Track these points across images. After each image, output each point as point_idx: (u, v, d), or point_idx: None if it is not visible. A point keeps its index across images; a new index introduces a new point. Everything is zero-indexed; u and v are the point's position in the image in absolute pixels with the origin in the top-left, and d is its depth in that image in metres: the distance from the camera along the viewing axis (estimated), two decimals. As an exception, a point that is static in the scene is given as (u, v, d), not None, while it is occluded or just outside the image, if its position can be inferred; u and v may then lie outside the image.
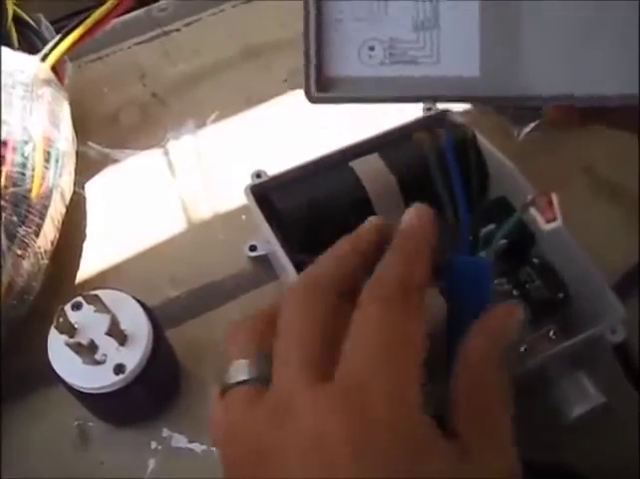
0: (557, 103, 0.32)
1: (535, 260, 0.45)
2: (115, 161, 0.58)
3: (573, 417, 0.40)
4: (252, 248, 0.50)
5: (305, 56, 0.30)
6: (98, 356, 0.40)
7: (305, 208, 0.45)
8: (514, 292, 0.44)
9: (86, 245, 0.53)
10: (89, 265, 0.52)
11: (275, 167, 0.48)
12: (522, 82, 0.30)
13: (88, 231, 0.54)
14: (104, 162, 0.57)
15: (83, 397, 0.41)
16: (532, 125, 0.57)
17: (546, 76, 0.30)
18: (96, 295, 0.41)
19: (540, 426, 0.43)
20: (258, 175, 0.48)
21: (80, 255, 0.52)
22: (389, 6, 0.30)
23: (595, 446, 0.44)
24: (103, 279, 0.51)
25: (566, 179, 0.56)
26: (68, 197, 0.52)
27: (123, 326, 0.40)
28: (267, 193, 0.47)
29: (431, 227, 0.32)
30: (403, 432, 0.26)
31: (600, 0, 0.29)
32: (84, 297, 0.41)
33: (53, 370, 0.41)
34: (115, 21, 0.57)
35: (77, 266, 0.52)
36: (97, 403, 0.42)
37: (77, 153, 0.53)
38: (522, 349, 0.42)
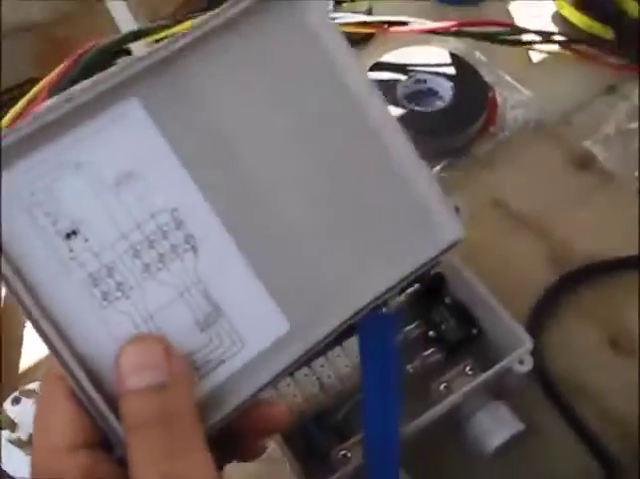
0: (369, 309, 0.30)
1: (447, 301, 0.48)
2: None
3: (494, 447, 0.43)
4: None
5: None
6: (39, 448, 0.41)
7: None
8: (431, 334, 0.47)
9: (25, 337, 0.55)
10: (28, 356, 0.53)
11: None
12: (336, 306, 0.28)
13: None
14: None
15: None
16: (439, 167, 0.61)
17: (351, 288, 0.28)
18: (33, 390, 0.42)
19: (466, 460, 0.46)
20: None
21: (20, 348, 0.54)
22: (163, 327, 0.26)
23: (525, 468, 0.47)
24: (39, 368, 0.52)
25: (478, 214, 0.59)
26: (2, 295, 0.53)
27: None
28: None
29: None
30: None
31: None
32: (21, 392, 0.43)
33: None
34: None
35: (18, 361, 0.53)
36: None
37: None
38: (442, 387, 0.45)
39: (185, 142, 0.26)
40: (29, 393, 0.43)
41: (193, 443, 0.24)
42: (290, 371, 0.28)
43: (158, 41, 0.34)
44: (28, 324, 0.53)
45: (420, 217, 0.28)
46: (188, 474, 0.23)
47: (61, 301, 0.25)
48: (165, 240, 0.26)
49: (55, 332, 0.24)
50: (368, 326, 0.37)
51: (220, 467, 0.28)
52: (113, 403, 0.24)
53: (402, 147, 0.28)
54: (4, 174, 0.24)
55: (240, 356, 0.27)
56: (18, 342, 0.54)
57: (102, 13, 0.69)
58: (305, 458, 0.43)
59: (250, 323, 0.27)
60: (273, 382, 0.27)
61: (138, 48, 0.95)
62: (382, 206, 0.28)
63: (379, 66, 0.65)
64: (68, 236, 0.25)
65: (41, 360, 0.53)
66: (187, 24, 0.34)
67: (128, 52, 0.56)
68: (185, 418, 0.24)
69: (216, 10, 0.26)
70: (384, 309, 0.38)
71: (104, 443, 0.25)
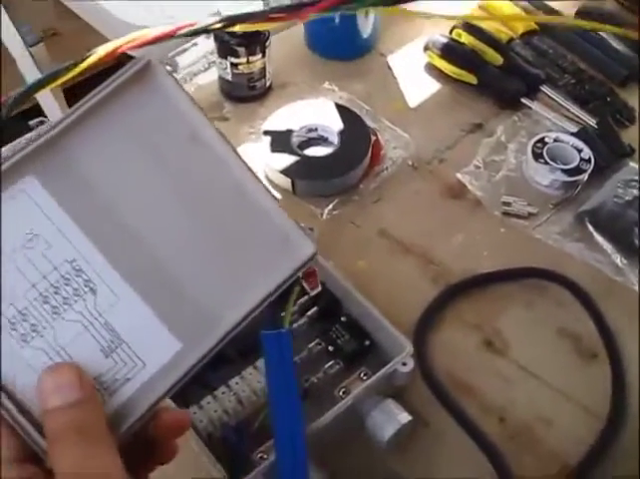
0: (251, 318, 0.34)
1: (343, 319, 0.56)
2: None
3: (386, 439, 0.50)
4: None
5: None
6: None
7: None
8: (330, 348, 0.55)
9: None
10: None
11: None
12: (218, 321, 0.33)
13: None
14: None
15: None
16: (332, 204, 0.69)
17: (228, 305, 0.33)
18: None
19: (368, 452, 0.53)
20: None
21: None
22: (74, 356, 0.31)
23: (416, 456, 0.54)
24: None
25: (367, 243, 0.67)
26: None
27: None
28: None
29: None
30: None
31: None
32: None
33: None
34: None
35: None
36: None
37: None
38: (342, 392, 0.52)
39: (76, 204, 0.32)
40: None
41: (105, 448, 0.29)
42: (185, 380, 0.33)
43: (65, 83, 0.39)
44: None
45: (280, 240, 0.34)
46: (99, 473, 0.29)
47: None
48: (68, 286, 0.31)
49: None
50: (269, 342, 0.44)
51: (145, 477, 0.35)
52: (37, 425, 0.30)
53: (254, 184, 0.34)
54: None
55: (142, 374, 0.31)
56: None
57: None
58: (229, 462, 0.49)
59: (147, 346, 0.32)
60: (171, 391, 0.32)
61: (45, 96, 0.99)
62: (246, 236, 0.34)
63: (274, 120, 0.73)
64: None
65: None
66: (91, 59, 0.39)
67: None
68: (97, 428, 0.30)
69: (87, 96, 0.33)
70: (282, 328, 0.46)
71: (34, 458, 0.30)
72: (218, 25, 0.36)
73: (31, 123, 1.29)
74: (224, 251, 0.33)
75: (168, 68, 0.35)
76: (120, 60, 0.40)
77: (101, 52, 0.41)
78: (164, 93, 0.33)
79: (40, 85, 0.42)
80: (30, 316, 0.31)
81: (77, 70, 0.45)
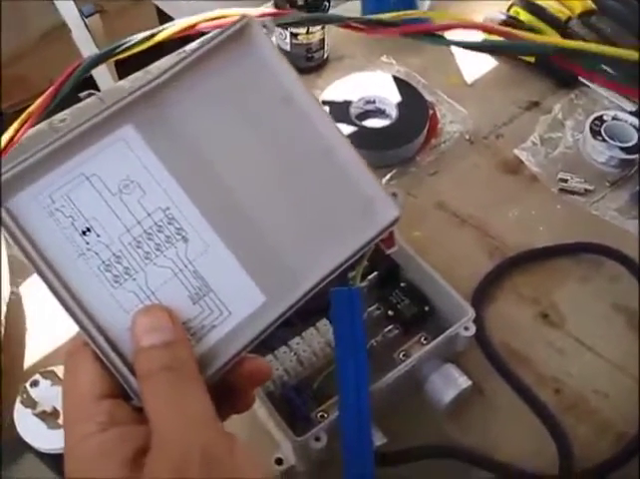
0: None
1: (403, 284, 0.57)
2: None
3: (446, 403, 0.51)
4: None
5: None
6: (60, 421, 0.48)
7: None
8: (390, 313, 0.56)
9: (28, 336, 0.61)
10: (36, 350, 0.60)
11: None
12: (301, 279, 0.33)
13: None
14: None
15: (52, 458, 0.49)
16: (389, 175, 0.69)
17: (311, 264, 0.34)
18: (52, 371, 0.49)
19: (426, 414, 0.54)
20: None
21: (24, 345, 0.60)
22: (163, 301, 0.32)
23: (472, 423, 0.55)
24: (48, 361, 0.59)
25: (424, 214, 0.68)
26: (6, 296, 0.60)
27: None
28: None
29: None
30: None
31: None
32: (41, 374, 0.49)
33: (21, 439, 0.48)
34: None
35: (23, 354, 0.59)
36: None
37: (9, 257, 0.61)
38: (402, 355, 0.53)
39: (171, 155, 0.33)
40: (48, 374, 0.49)
41: (196, 387, 0.30)
42: (268, 332, 0.33)
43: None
44: (30, 323, 0.60)
45: (365, 203, 0.35)
46: (193, 411, 0.30)
47: (82, 283, 0.31)
48: (161, 233, 0.32)
49: (79, 309, 0.31)
50: (339, 299, 0.45)
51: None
52: (127, 362, 0.31)
53: (344, 147, 0.34)
54: (31, 187, 0.31)
55: (228, 322, 0.32)
56: (21, 339, 0.60)
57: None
58: (290, 421, 0.50)
59: (234, 296, 0.32)
60: (255, 342, 0.33)
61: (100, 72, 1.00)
62: (333, 198, 0.34)
63: (332, 91, 0.74)
64: (84, 232, 0.32)
65: (44, 356, 0.59)
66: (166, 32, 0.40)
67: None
68: (188, 367, 0.30)
69: (186, 49, 0.34)
70: (351, 285, 0.46)
71: (123, 395, 0.31)
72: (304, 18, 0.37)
73: (81, 95, 1.31)
74: (312, 212, 0.34)
75: (264, 30, 0.35)
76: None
77: (176, 27, 0.42)
78: (262, 53, 0.34)
79: (113, 53, 0.43)
80: (124, 259, 0.32)
81: (151, 42, 0.46)
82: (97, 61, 0.50)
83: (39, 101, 0.63)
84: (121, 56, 0.47)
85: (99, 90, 1.14)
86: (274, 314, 0.33)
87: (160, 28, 0.42)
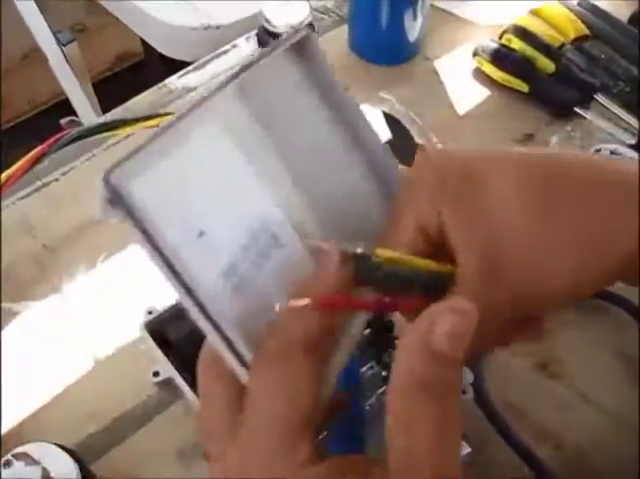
0: None
1: (397, 341, 0.54)
2: (16, 313, 0.63)
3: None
4: (156, 374, 0.56)
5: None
6: (35, 506, 0.45)
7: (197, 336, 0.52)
8: (384, 374, 0.53)
9: (3, 398, 0.57)
10: (9, 418, 0.56)
11: (167, 297, 0.54)
12: None
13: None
14: (7, 316, 0.62)
15: None
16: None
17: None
18: (24, 453, 0.46)
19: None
20: (150, 311, 0.54)
21: (-2, 409, 0.57)
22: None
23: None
24: (23, 429, 0.55)
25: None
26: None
27: (52, 474, 0.46)
28: (160, 326, 0.53)
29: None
30: None
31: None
32: (14, 456, 0.46)
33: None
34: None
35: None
36: None
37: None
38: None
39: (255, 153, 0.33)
40: (21, 456, 0.46)
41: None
42: None
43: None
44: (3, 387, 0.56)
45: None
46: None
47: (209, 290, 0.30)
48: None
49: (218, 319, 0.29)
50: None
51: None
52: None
53: (383, 158, 0.37)
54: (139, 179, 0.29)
55: None
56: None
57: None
58: None
59: None
60: None
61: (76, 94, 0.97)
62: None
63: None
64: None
65: (19, 425, 0.56)
66: (155, 121, 0.39)
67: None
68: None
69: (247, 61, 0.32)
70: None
71: None
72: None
73: (62, 121, 1.29)
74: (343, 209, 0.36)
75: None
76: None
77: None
78: (315, 64, 0.35)
79: (101, 130, 0.44)
80: (238, 269, 0.31)
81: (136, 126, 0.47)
82: (85, 135, 0.49)
83: (22, 161, 0.60)
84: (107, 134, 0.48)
85: (78, 117, 1.11)
86: None
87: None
